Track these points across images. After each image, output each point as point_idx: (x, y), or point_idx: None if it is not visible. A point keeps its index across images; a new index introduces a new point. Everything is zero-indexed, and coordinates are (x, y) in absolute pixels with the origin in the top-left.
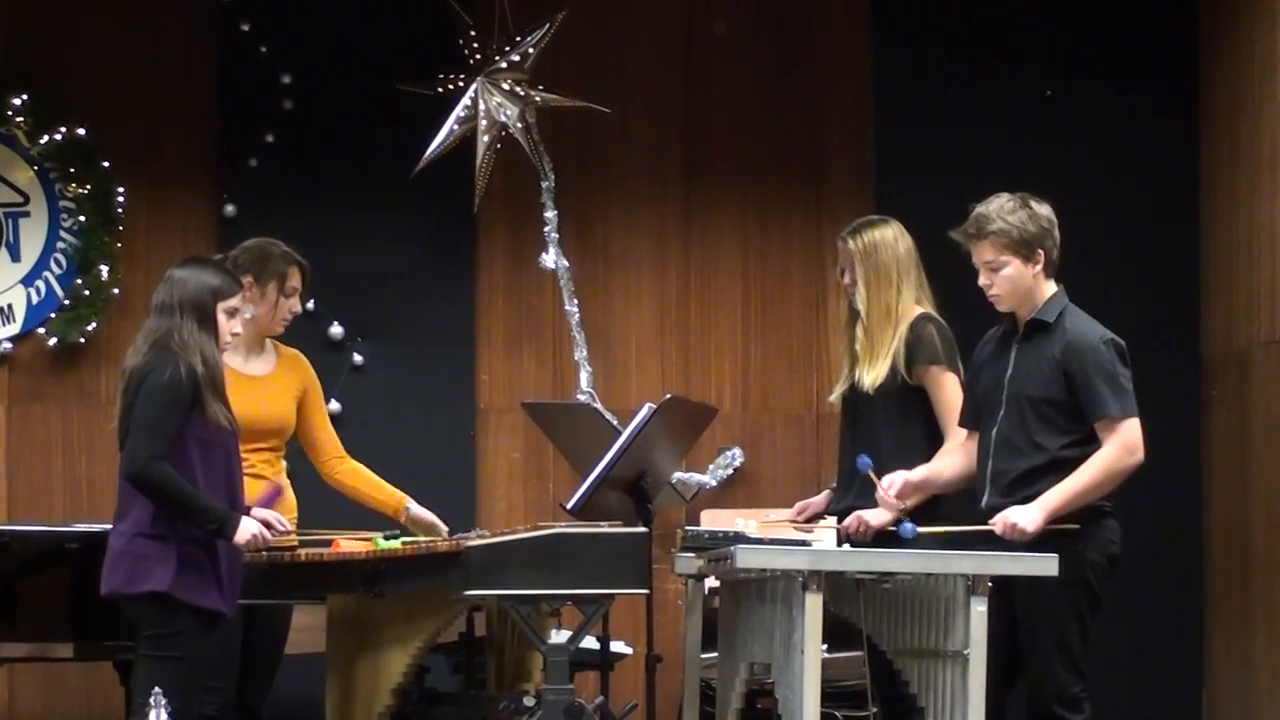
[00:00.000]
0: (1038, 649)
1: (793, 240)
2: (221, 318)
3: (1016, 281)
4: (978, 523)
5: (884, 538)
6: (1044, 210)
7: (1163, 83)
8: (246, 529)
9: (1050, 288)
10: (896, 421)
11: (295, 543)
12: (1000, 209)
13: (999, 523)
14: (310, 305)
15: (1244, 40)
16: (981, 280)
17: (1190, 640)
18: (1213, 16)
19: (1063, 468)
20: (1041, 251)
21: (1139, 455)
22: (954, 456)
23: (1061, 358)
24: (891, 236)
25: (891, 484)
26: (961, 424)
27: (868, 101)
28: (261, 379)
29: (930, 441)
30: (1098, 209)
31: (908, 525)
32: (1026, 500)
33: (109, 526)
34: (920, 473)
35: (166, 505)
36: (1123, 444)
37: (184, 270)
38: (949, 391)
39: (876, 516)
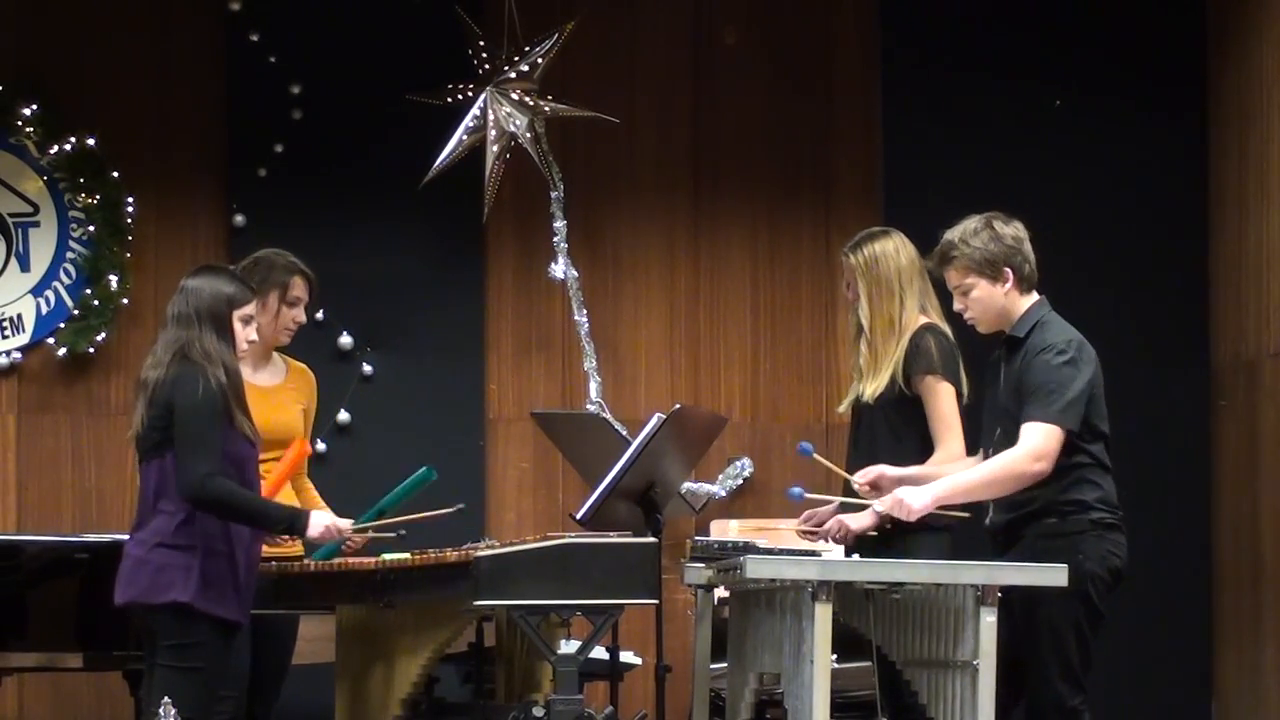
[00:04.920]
0: (1035, 660)
1: (802, 250)
2: (237, 325)
3: (987, 303)
4: (982, 538)
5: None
6: (1009, 229)
7: (1171, 93)
8: (318, 523)
9: (1027, 302)
10: (894, 431)
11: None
12: (964, 232)
13: (890, 500)
14: (319, 315)
15: (1253, 50)
16: (955, 305)
17: (1199, 651)
18: (1221, 26)
19: (1060, 477)
20: (1009, 269)
21: (1044, 464)
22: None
23: (1020, 369)
24: (893, 248)
25: (865, 474)
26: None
27: (877, 113)
28: (270, 389)
29: (925, 452)
30: (1107, 220)
31: (796, 490)
32: (1028, 515)
33: (119, 536)
34: (908, 471)
35: (233, 517)
36: (1030, 449)
37: (198, 279)
38: (942, 401)
39: (857, 521)
